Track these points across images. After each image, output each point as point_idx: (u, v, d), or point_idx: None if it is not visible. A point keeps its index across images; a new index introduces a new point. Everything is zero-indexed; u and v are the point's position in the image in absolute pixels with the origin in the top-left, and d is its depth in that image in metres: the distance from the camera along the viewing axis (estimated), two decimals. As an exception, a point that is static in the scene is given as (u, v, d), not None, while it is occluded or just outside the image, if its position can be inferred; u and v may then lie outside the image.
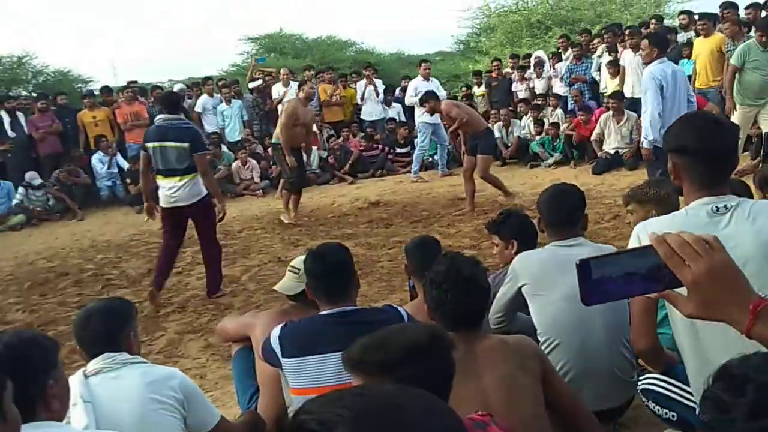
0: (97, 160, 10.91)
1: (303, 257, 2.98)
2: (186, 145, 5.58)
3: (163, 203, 5.85)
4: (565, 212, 2.99)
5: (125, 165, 10.85)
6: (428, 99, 8.12)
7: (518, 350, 2.31)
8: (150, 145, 5.70)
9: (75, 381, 2.24)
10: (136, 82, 12.57)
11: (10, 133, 10.66)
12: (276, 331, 2.61)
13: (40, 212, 10.22)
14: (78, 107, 11.74)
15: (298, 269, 3.01)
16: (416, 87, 10.54)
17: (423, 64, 10.99)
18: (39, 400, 1.72)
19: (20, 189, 10.19)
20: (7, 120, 10.60)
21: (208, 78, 12.83)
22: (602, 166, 9.32)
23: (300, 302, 3.04)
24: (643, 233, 2.07)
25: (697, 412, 0.96)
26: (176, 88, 12.94)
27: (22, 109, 11.43)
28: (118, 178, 10.89)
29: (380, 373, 1.52)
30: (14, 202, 10.14)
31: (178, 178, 5.64)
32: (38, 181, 10.33)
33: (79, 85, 18.01)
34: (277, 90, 11.64)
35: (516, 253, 3.16)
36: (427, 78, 10.69)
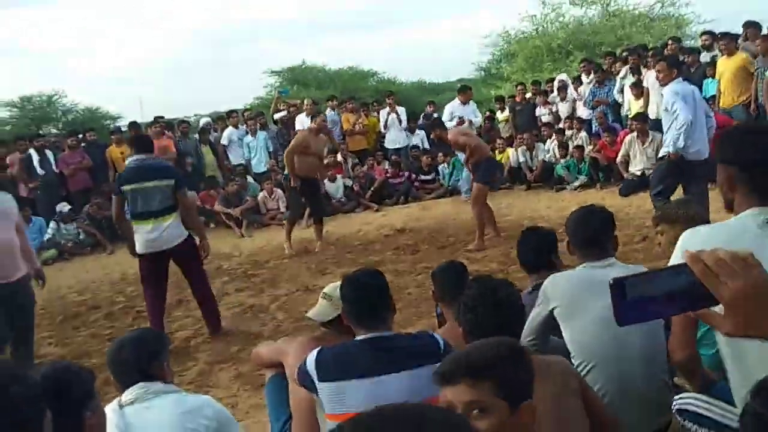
0: (126, 194, 11.07)
1: (336, 284, 3.01)
2: (171, 182, 5.42)
3: (143, 249, 5.53)
4: (595, 233, 2.96)
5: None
6: (434, 128, 8.31)
7: (560, 370, 2.29)
8: (128, 187, 5.40)
9: (109, 411, 2.27)
10: (162, 117, 12.78)
11: (39, 171, 10.88)
12: (312, 356, 2.62)
13: (72, 246, 10.37)
14: (107, 143, 11.98)
15: (332, 296, 3.02)
16: (452, 111, 10.61)
17: (467, 91, 10.96)
18: (79, 429, 1.73)
19: (51, 224, 10.37)
20: (36, 158, 10.83)
21: (233, 111, 13.02)
22: (629, 187, 9.25)
23: (333, 329, 3.04)
24: (690, 241, 2.04)
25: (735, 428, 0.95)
26: (202, 122, 13.18)
27: (51, 147, 11.67)
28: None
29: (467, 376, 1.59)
30: (46, 237, 10.31)
31: (160, 219, 5.39)
32: (68, 207, 10.52)
33: (108, 121, 18.40)
34: (300, 121, 11.78)
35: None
36: (465, 102, 10.67)
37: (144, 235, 5.45)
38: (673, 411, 2.52)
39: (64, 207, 10.49)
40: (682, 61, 8.18)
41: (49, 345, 6.26)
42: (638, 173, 9.38)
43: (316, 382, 2.57)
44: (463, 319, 2.29)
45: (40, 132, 15.24)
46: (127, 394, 2.35)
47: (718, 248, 1.05)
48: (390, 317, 2.73)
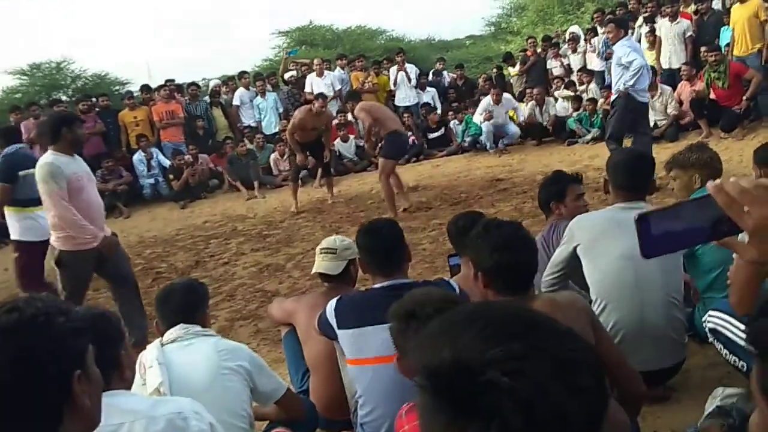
0: (138, 160, 11.14)
1: (332, 238, 3.17)
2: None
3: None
4: (637, 177, 3.00)
5: (167, 162, 11.05)
6: (349, 101, 8.81)
7: (571, 307, 2.34)
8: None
9: (152, 347, 2.46)
10: (173, 80, 12.76)
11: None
12: (332, 304, 2.70)
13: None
14: (118, 108, 12.00)
15: (335, 249, 3.09)
16: (485, 107, 10.60)
17: (494, 90, 10.87)
18: (115, 368, 1.83)
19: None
20: (52, 124, 10.90)
21: (243, 72, 12.98)
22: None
23: (337, 282, 3.12)
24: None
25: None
26: (212, 83, 13.13)
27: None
28: (161, 175, 11.09)
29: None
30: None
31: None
32: None
33: (117, 87, 18.36)
34: (310, 80, 11.76)
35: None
36: (497, 102, 10.65)
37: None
38: (707, 329, 2.58)
39: None
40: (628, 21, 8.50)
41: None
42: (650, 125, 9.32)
43: (336, 329, 2.65)
44: (487, 260, 2.27)
45: (53, 98, 15.25)
46: (169, 334, 2.52)
47: (741, 177, 1.07)
48: (406, 265, 2.80)
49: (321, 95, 8.68)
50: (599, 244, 2.85)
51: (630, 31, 7.26)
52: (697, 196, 1.10)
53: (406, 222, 7.39)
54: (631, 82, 6.81)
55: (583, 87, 10.78)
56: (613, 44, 7.11)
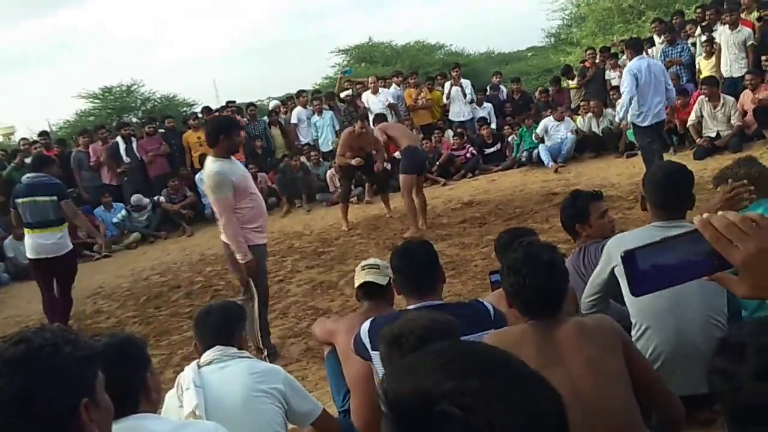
0: (200, 179, 11.44)
1: (372, 259, 3.25)
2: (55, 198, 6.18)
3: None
4: (672, 193, 2.86)
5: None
6: (375, 123, 8.91)
7: (600, 330, 2.28)
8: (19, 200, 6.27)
9: (189, 369, 2.55)
10: (234, 102, 13.12)
11: (126, 159, 11.37)
12: (366, 325, 2.74)
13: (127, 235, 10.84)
14: (183, 130, 12.40)
15: (378, 265, 3.15)
16: (546, 126, 10.64)
17: (559, 109, 10.95)
18: (141, 391, 1.91)
19: (122, 211, 10.86)
20: (123, 146, 11.33)
21: (302, 91, 13.24)
22: (703, 151, 8.95)
23: (378, 300, 3.16)
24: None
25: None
26: (271, 105, 13.41)
27: (136, 135, 12.17)
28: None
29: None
30: (115, 220, 10.80)
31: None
32: (146, 201, 11.00)
33: (184, 108, 18.96)
34: (365, 98, 11.88)
35: None
36: (559, 119, 10.65)
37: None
38: None
39: (141, 200, 10.96)
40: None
41: (133, 324, 6.62)
42: (713, 136, 9.06)
43: (370, 350, 2.69)
44: (506, 283, 2.32)
45: (123, 121, 15.88)
46: (206, 356, 2.60)
47: (728, 212, 1.05)
48: (440, 286, 2.81)
49: (360, 118, 8.83)
50: None
51: (644, 52, 8.09)
52: (684, 231, 1.07)
53: (458, 238, 7.38)
54: (620, 116, 7.67)
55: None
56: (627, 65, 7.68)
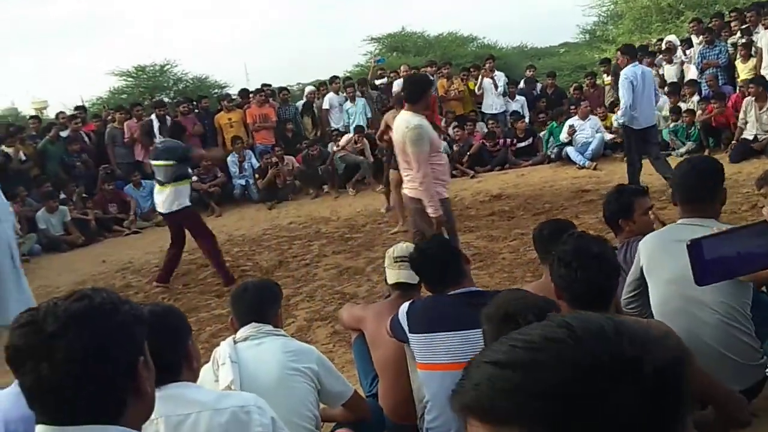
0: (231, 161, 11.54)
1: (403, 246, 3.24)
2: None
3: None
4: (698, 189, 2.80)
5: (257, 164, 11.41)
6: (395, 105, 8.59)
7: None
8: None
9: (225, 345, 2.58)
10: (269, 85, 13.16)
11: (159, 137, 11.46)
12: (404, 307, 2.76)
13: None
14: (215, 110, 12.48)
15: (406, 257, 3.13)
16: (571, 124, 10.65)
17: (582, 104, 10.96)
18: (184, 359, 1.95)
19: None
20: (156, 124, 11.43)
21: (334, 77, 13.25)
22: (739, 154, 8.81)
23: (410, 291, 3.16)
24: None
25: None
26: (307, 90, 13.40)
27: (170, 114, 12.27)
28: (252, 176, 11.44)
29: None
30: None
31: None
32: None
33: (216, 90, 19.04)
34: (397, 85, 11.85)
35: None
36: (584, 117, 10.65)
37: None
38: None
39: None
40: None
41: (162, 299, 6.70)
42: (750, 138, 8.92)
43: (408, 333, 2.71)
44: (556, 275, 2.30)
45: (159, 100, 16.01)
46: (241, 332, 2.63)
47: None
48: (467, 271, 2.84)
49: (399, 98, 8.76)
50: (654, 267, 2.76)
51: (639, 58, 8.33)
52: (751, 223, 1.08)
53: (486, 230, 7.37)
54: (621, 120, 7.76)
55: (684, 97, 10.39)
56: (621, 69, 7.88)
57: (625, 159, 8.24)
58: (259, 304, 2.71)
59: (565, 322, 0.72)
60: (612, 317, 0.73)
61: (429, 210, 4.81)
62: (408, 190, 5.00)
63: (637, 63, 7.85)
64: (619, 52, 8.13)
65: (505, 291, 2.17)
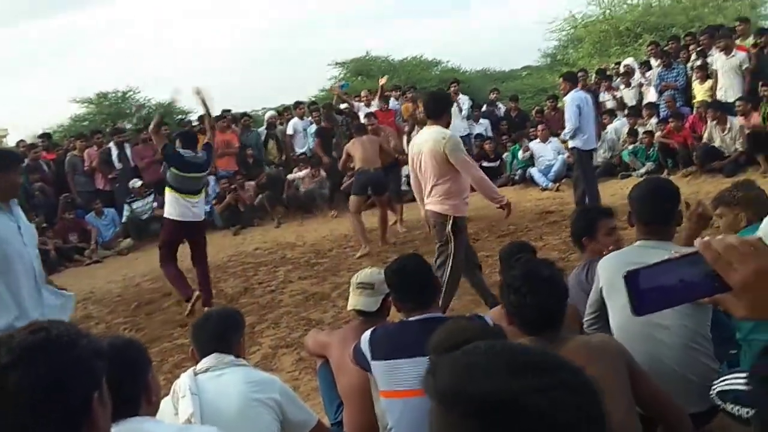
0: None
1: (368, 271, 3.16)
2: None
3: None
4: (658, 210, 2.83)
5: (217, 189, 11.34)
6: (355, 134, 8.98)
7: (604, 350, 2.29)
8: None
9: (185, 376, 2.52)
10: (230, 111, 13.11)
11: (117, 165, 11.35)
12: (367, 335, 2.73)
13: (148, 222, 10.85)
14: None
15: (372, 284, 3.11)
16: (532, 150, 10.95)
17: (540, 127, 11.20)
18: (143, 392, 1.91)
19: (125, 208, 10.85)
20: (115, 152, 11.31)
21: (299, 102, 13.26)
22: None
23: (372, 318, 3.12)
24: None
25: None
26: (267, 115, 13.39)
27: (130, 141, 12.15)
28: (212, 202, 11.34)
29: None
30: (124, 220, 10.80)
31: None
32: (139, 183, 11.06)
33: (179, 116, 18.93)
34: (361, 109, 11.94)
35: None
36: (544, 140, 10.92)
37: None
38: (715, 395, 2.49)
39: (135, 183, 11.01)
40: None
41: (124, 330, 6.58)
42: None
43: (370, 360, 2.68)
44: (506, 301, 2.33)
45: (117, 127, 15.85)
46: (203, 363, 2.57)
47: (727, 235, 1.08)
48: (436, 297, 2.81)
49: (357, 130, 8.89)
50: (613, 290, 2.77)
51: (579, 83, 8.93)
52: (686, 252, 1.09)
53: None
54: (572, 143, 8.12)
55: (643, 120, 10.61)
56: (565, 95, 8.37)
57: (576, 182, 8.48)
58: (221, 334, 2.65)
59: None
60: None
61: (496, 203, 5.14)
62: (433, 205, 4.98)
63: (578, 88, 8.30)
64: (561, 79, 8.60)
65: (450, 321, 2.16)
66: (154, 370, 2.10)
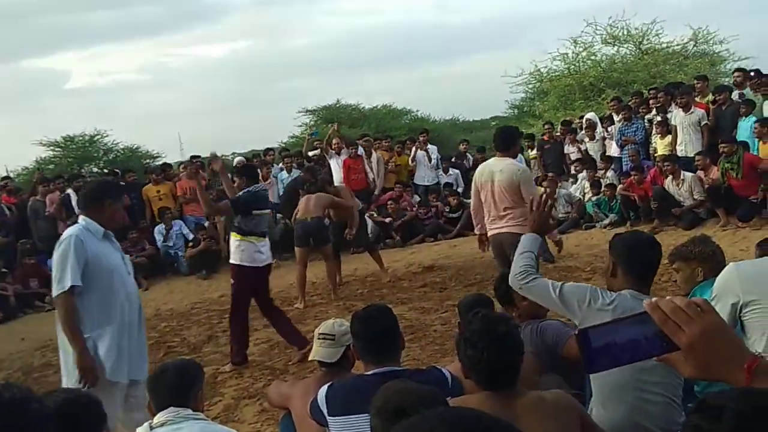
0: (158, 231, 11.37)
1: (331, 322, 3.14)
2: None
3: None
4: (653, 264, 2.85)
5: (191, 235, 11.23)
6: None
7: (558, 406, 2.30)
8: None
9: (142, 430, 2.47)
10: (198, 156, 13.09)
11: (77, 210, 11.18)
12: (323, 391, 2.70)
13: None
14: (143, 182, 12.31)
15: (333, 335, 3.10)
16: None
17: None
18: None
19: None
20: (74, 198, 11.16)
21: (269, 149, 13.31)
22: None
23: (334, 369, 3.10)
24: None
25: None
26: (235, 161, 13.39)
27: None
28: (182, 248, 11.24)
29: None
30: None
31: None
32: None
33: (147, 160, 18.83)
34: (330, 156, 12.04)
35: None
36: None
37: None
38: None
39: None
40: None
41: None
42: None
43: (327, 416, 2.65)
44: (463, 355, 2.34)
45: (82, 171, 15.70)
46: (159, 417, 2.51)
47: (675, 297, 1.12)
48: (399, 352, 2.80)
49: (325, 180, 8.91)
50: None
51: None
52: (635, 313, 1.13)
53: (418, 302, 7.39)
54: None
55: (602, 173, 10.86)
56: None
57: None
58: (179, 387, 2.60)
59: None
60: None
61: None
62: (510, 228, 5.47)
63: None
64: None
65: (391, 383, 2.14)
66: (108, 425, 2.06)
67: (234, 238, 6.09)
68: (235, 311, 6.15)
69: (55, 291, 3.68)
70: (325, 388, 2.70)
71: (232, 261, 6.12)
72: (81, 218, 3.84)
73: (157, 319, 8.48)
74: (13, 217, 11.14)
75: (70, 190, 11.24)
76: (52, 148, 18.43)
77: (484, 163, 6.02)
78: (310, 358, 3.28)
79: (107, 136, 19.14)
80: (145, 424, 2.52)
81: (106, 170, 15.62)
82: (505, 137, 5.73)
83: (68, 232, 3.75)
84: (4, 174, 14.90)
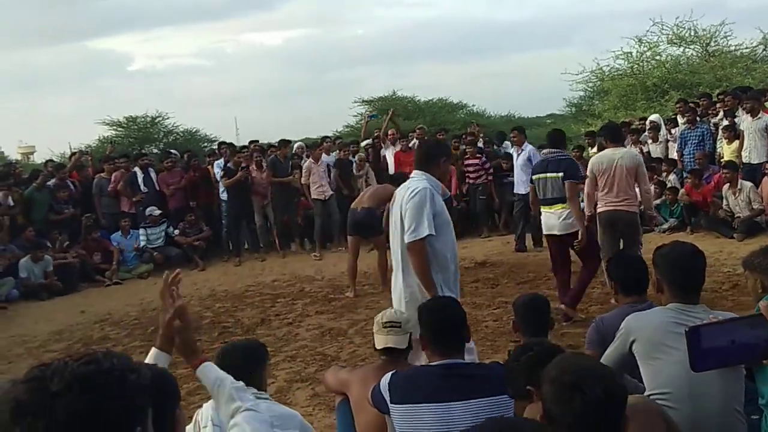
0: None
1: (392, 311, 3.24)
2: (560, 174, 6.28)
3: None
4: (698, 274, 2.78)
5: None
6: None
7: (646, 412, 2.28)
8: (535, 176, 6.51)
9: (208, 407, 2.59)
10: (257, 141, 13.27)
11: (143, 188, 11.47)
12: (387, 378, 2.74)
13: (159, 257, 10.86)
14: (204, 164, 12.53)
15: (399, 322, 3.14)
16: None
17: None
18: (170, 426, 1.92)
19: (141, 231, 10.89)
20: (140, 176, 11.44)
21: (325, 137, 13.40)
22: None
23: (396, 356, 3.14)
24: None
25: None
26: (295, 146, 13.48)
27: (153, 165, 12.28)
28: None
29: None
30: (141, 244, 10.84)
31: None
32: (158, 212, 11.01)
33: (205, 144, 19.18)
34: (384, 151, 12.05)
35: None
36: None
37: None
38: None
39: (153, 211, 10.97)
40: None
41: (140, 354, 6.58)
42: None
43: (389, 403, 2.69)
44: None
45: (144, 151, 16.06)
46: None
47: None
48: (464, 346, 2.82)
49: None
50: (658, 346, 2.73)
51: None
52: (750, 314, 1.12)
53: (470, 298, 7.37)
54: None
55: (664, 176, 10.61)
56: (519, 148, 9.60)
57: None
58: (244, 366, 2.67)
59: None
60: None
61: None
62: (627, 206, 6.37)
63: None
64: (515, 131, 9.90)
65: (567, 356, 1.93)
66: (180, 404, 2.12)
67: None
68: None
69: (409, 238, 3.81)
70: (388, 375, 2.74)
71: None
72: (419, 174, 3.98)
73: (211, 300, 8.67)
74: (78, 193, 11.47)
75: (136, 168, 11.51)
76: (114, 127, 18.94)
77: (601, 152, 6.78)
78: (378, 347, 3.30)
79: (168, 118, 19.59)
80: (212, 401, 2.59)
81: (164, 150, 15.90)
82: (614, 130, 7.00)
83: (421, 185, 3.88)
84: (72, 151, 15.31)
